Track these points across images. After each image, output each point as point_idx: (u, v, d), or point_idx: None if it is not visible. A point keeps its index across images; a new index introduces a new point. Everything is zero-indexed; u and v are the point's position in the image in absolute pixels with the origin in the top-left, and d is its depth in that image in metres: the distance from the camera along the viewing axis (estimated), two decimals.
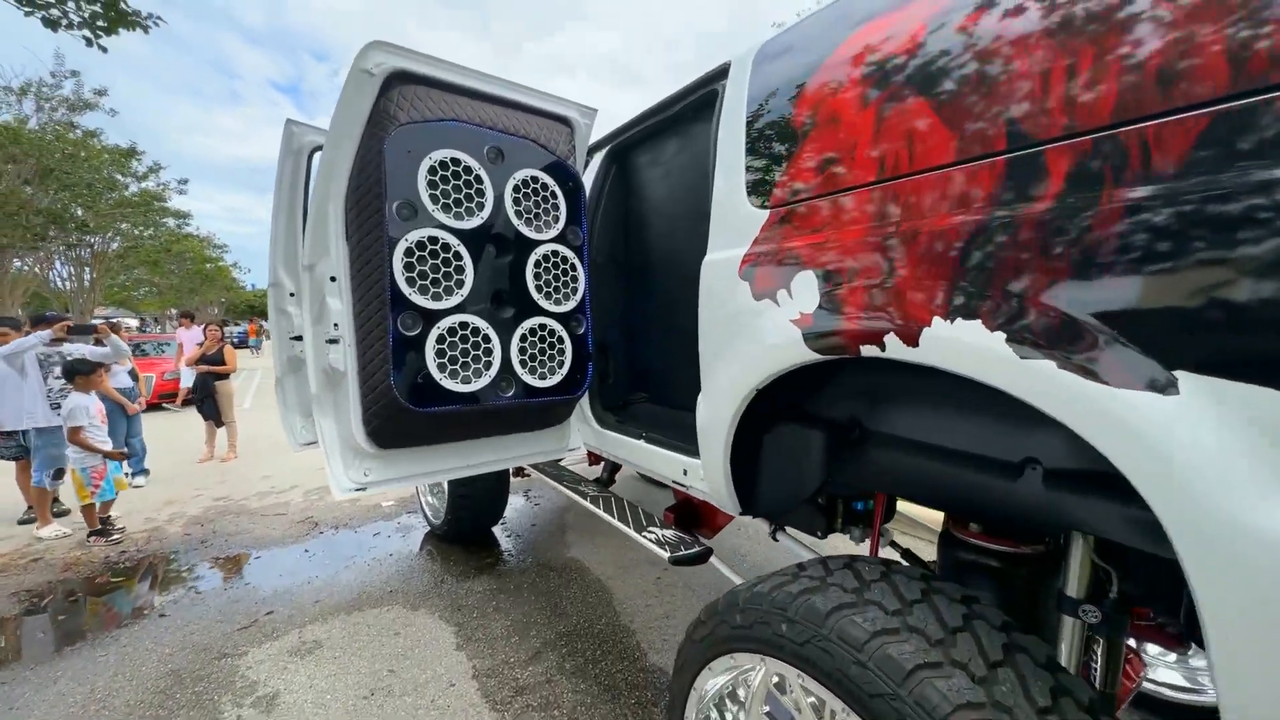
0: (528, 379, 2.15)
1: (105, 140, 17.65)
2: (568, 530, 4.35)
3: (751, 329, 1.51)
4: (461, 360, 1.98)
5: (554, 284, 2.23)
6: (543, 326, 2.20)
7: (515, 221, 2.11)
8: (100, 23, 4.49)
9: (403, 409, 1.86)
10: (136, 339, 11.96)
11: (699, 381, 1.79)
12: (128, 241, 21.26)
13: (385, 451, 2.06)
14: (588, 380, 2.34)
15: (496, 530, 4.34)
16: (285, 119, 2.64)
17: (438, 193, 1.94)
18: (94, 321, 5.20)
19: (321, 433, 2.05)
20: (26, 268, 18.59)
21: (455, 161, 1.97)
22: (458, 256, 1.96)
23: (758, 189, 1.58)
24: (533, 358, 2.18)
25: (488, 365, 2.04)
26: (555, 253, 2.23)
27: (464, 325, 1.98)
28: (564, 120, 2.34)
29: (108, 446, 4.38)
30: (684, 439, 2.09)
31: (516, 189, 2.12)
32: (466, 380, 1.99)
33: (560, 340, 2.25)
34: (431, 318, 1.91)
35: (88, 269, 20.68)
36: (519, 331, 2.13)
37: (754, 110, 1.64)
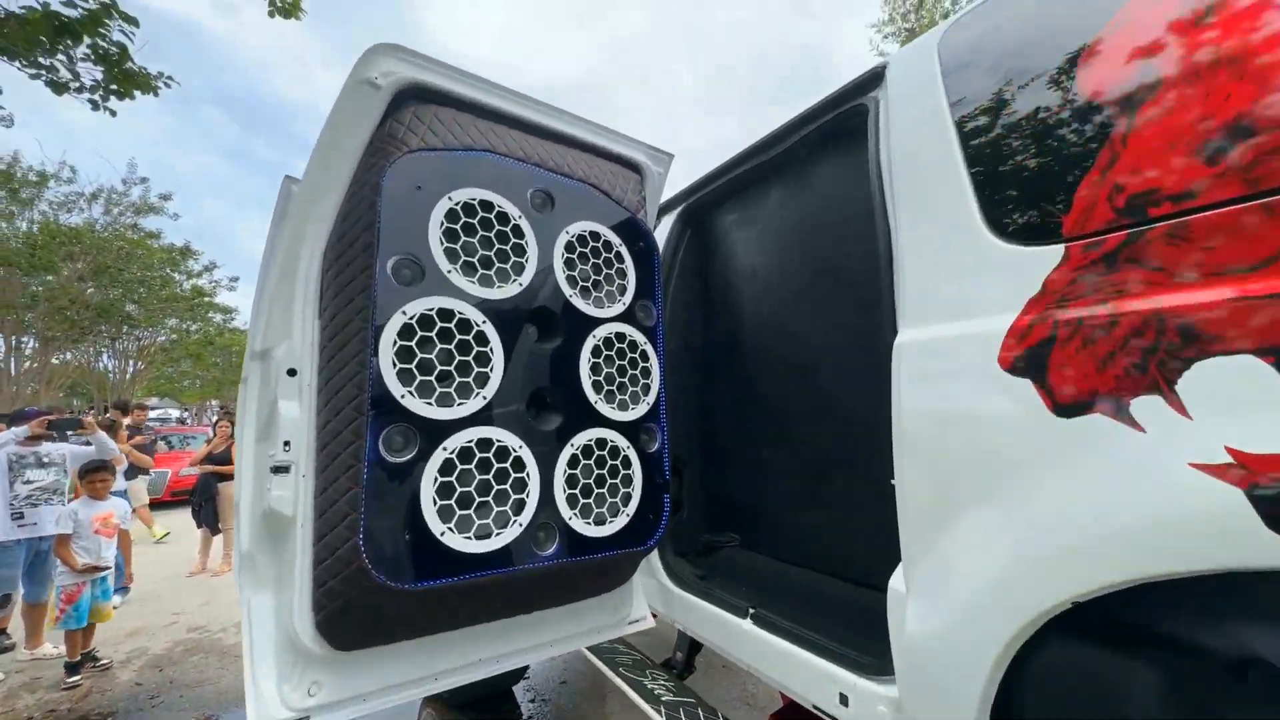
0: (578, 525, 1.40)
1: (163, 240, 18.57)
2: (608, 694, 3.36)
3: (1059, 474, 0.76)
4: (479, 500, 1.26)
5: (619, 380, 1.54)
6: (602, 443, 1.48)
7: (567, 291, 1.47)
8: (114, 86, 4.39)
9: (373, 587, 1.12)
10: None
11: (841, 527, 1.04)
12: (174, 335, 21.86)
13: (345, 654, 1.28)
14: (663, 522, 1.58)
15: (517, 689, 3.39)
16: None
17: (457, 247, 1.32)
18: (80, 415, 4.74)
19: (248, 617, 1.28)
20: (72, 357, 19.00)
21: (486, 205, 1.36)
22: (481, 340, 1.30)
23: (1018, 212, 0.89)
24: (586, 490, 1.44)
25: (519, 506, 1.31)
26: (621, 335, 1.56)
27: (485, 444, 1.27)
28: (633, 165, 1.76)
29: (100, 561, 3.70)
30: (829, 630, 1.29)
31: (570, 247, 1.50)
32: (484, 532, 1.25)
33: (626, 462, 1.52)
34: (435, 433, 1.21)
35: (132, 361, 21.13)
36: (568, 451, 1.41)
37: (973, 101, 1.00)
